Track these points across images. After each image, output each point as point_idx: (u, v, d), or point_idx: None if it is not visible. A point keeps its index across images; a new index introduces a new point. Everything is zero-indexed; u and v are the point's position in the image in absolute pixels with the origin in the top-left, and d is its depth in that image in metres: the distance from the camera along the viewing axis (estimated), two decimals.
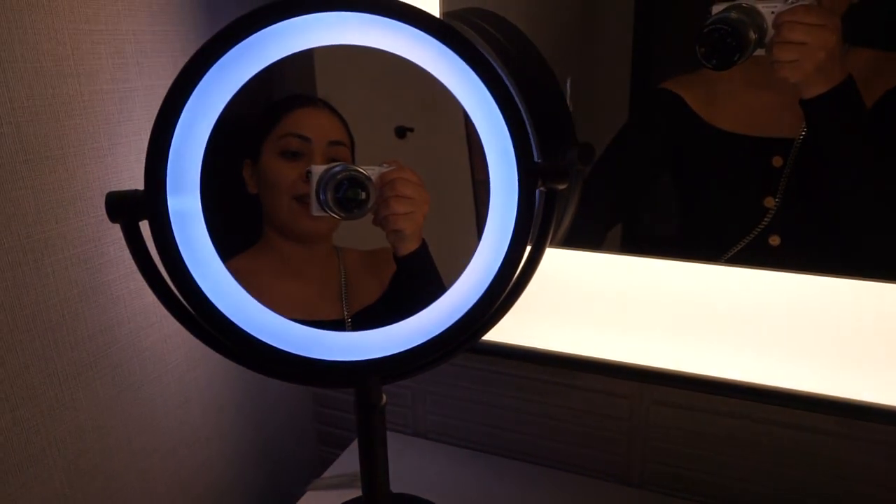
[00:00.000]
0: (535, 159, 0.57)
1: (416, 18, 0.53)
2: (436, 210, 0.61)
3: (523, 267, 0.61)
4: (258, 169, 0.60)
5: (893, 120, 0.63)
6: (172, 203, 0.53)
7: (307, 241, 0.64)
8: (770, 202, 0.69)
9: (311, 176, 0.58)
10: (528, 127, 0.56)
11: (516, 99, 0.55)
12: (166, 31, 0.73)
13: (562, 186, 0.58)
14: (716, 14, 0.61)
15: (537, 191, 0.58)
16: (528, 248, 0.60)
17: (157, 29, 0.72)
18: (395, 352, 0.60)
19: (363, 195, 0.57)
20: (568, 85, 0.74)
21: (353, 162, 0.60)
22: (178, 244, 0.54)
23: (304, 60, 0.57)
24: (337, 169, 0.57)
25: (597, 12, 0.73)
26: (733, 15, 0.61)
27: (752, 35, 0.61)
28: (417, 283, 0.62)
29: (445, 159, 0.65)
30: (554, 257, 0.79)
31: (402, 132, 0.62)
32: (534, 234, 0.59)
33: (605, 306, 0.79)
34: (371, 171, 0.58)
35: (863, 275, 0.67)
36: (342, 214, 0.57)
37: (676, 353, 0.76)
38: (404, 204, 0.59)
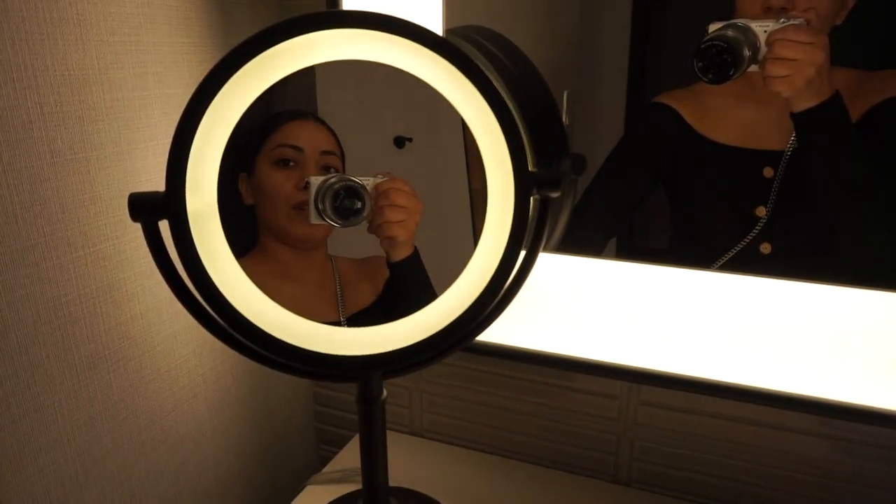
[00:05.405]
0: (531, 168, 0.61)
1: (422, 36, 0.57)
2: (434, 216, 0.64)
3: (518, 270, 0.64)
4: (254, 181, 0.63)
5: (876, 136, 0.66)
6: (190, 204, 0.57)
7: (304, 247, 0.67)
8: (762, 211, 0.71)
9: (309, 186, 0.61)
10: (523, 137, 0.60)
11: (512, 110, 0.59)
12: (183, 44, 0.77)
13: (555, 194, 0.62)
14: (713, 32, 0.64)
15: (532, 198, 0.61)
16: (523, 253, 0.64)
17: (176, 41, 0.76)
18: (396, 347, 0.63)
19: (359, 204, 0.60)
20: (565, 98, 0.77)
21: (344, 171, 0.64)
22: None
23: (305, 73, 0.59)
24: (334, 179, 0.60)
25: (594, 29, 0.76)
26: (729, 33, 0.63)
27: (747, 52, 0.63)
28: (409, 287, 0.65)
29: (443, 168, 0.68)
30: (550, 262, 0.82)
31: (400, 142, 0.65)
32: (528, 239, 0.63)
33: (598, 310, 0.82)
34: (366, 182, 0.61)
35: (848, 282, 0.69)
36: (339, 222, 0.60)
37: (665, 354, 0.79)
38: (398, 213, 0.62)
